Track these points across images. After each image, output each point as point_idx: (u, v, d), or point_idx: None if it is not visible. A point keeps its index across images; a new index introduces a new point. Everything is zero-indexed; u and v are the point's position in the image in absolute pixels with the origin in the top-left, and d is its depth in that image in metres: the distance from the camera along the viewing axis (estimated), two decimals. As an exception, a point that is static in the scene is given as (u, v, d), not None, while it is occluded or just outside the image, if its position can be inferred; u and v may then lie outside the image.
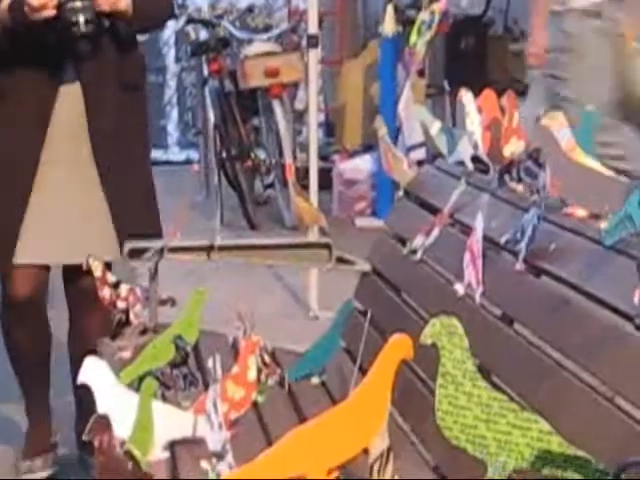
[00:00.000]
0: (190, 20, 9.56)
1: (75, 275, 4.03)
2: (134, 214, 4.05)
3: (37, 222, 3.93)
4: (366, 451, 2.54)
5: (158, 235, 4.15)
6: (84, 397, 4.17)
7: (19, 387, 4.48)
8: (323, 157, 7.40)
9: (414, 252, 3.59)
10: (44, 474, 4.32)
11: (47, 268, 4.17)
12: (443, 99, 7.29)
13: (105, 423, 2.57)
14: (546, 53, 5.99)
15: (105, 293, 3.67)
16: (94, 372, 3.00)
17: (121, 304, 3.63)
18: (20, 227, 3.90)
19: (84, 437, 2.61)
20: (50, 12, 3.69)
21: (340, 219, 7.04)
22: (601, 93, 5.67)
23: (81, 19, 3.73)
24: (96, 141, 3.99)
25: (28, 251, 3.95)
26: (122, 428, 2.77)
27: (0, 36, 3.91)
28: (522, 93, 4.00)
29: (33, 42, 3.90)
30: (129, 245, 4.01)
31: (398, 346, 2.44)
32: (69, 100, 3.97)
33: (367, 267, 3.99)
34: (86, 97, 3.97)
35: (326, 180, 7.68)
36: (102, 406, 2.87)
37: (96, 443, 2.54)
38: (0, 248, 3.99)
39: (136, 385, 3.12)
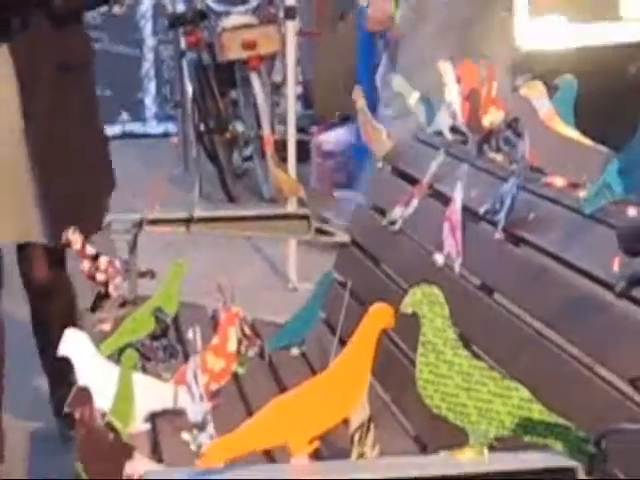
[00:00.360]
0: (166, -8, 9.54)
1: (29, 266, 4.01)
2: (67, 199, 3.85)
3: None
4: (347, 421, 2.51)
5: (95, 229, 3.97)
6: (56, 370, 4.29)
7: None
8: (301, 129, 7.40)
9: (393, 223, 3.59)
10: None
11: None
12: (424, 68, 7.29)
13: (86, 395, 2.56)
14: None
15: (85, 266, 3.63)
16: (74, 344, 3.03)
17: (100, 276, 3.62)
18: None
19: (65, 409, 2.56)
20: None
21: (318, 191, 7.04)
22: None
23: None
24: (28, 120, 3.80)
25: None
26: (103, 400, 2.73)
27: None
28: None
29: None
30: (108, 218, 4.01)
31: (378, 316, 2.38)
32: (3, 80, 3.76)
33: (346, 238, 3.97)
34: (20, 76, 3.76)
35: (304, 152, 7.70)
36: (82, 378, 2.90)
37: (77, 415, 2.52)
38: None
39: (116, 357, 3.11)
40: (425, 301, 2.30)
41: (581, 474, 1.96)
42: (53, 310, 4.09)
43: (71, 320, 3.95)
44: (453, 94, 3.54)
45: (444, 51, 4.97)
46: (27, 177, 3.76)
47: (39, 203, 3.74)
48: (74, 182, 3.90)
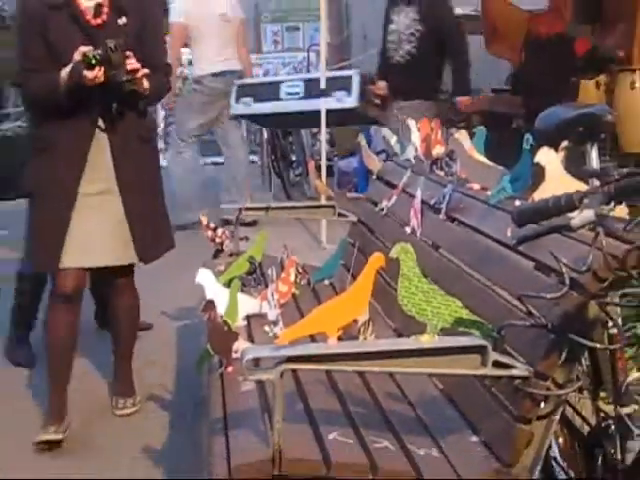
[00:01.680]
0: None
1: (108, 275, 3.67)
2: (148, 232, 3.53)
3: (76, 237, 3.41)
4: (356, 320, 2.64)
5: (170, 247, 3.78)
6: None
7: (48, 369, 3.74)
8: (328, 159, 7.53)
9: (382, 210, 3.64)
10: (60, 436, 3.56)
11: (84, 270, 3.61)
12: (398, 125, 7.32)
13: (212, 305, 2.64)
14: None
15: (208, 234, 3.70)
16: (205, 277, 3.08)
17: (218, 240, 3.69)
18: (64, 241, 3.41)
19: (201, 312, 2.69)
20: (100, 80, 3.21)
21: (338, 193, 7.17)
22: None
23: (121, 79, 3.24)
24: (121, 179, 3.48)
25: (70, 258, 3.44)
26: (221, 307, 2.82)
27: (59, 94, 3.32)
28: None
29: (80, 100, 3.37)
30: (222, 205, 4.10)
31: (375, 261, 2.40)
32: (100, 148, 3.43)
33: (354, 219, 4.00)
34: (112, 146, 3.46)
35: (330, 171, 7.81)
36: (209, 295, 2.91)
37: (207, 316, 2.60)
38: (50, 256, 3.46)
39: (227, 284, 3.16)
40: (402, 251, 2.42)
41: (489, 349, 1.94)
42: (121, 306, 3.79)
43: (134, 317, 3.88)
44: (415, 138, 3.59)
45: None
46: (123, 218, 3.46)
47: (133, 235, 3.48)
48: (155, 219, 3.63)
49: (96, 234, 3.50)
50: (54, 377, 3.68)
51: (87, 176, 3.47)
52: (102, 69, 3.21)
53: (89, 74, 3.21)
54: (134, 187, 3.54)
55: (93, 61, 3.18)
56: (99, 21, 3.36)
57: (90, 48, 3.22)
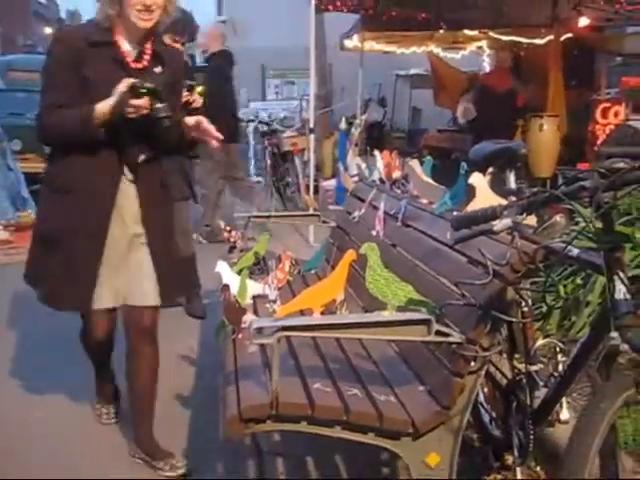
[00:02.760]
0: (260, 122, 9.65)
1: (135, 316, 2.77)
2: (172, 276, 2.69)
3: (107, 279, 2.68)
4: (335, 300, 2.61)
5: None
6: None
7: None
8: (315, 179, 7.55)
9: (354, 218, 3.57)
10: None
11: (115, 309, 2.81)
12: (366, 155, 7.30)
13: (227, 288, 2.64)
14: None
15: (225, 235, 3.60)
16: (222, 267, 3.01)
17: (232, 239, 3.60)
18: (96, 282, 2.67)
19: (219, 293, 2.65)
20: (144, 111, 2.55)
21: (322, 205, 7.15)
22: None
23: (162, 114, 2.52)
24: (147, 223, 2.70)
25: (102, 299, 2.70)
26: (234, 290, 2.78)
27: (92, 128, 2.55)
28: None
29: (111, 138, 2.61)
30: (236, 214, 4.06)
31: (349, 256, 2.46)
32: (126, 191, 2.61)
33: (334, 224, 3.94)
34: (138, 190, 2.68)
35: (316, 189, 7.81)
36: (225, 281, 2.87)
37: (222, 297, 2.59)
38: (82, 297, 2.69)
39: (239, 272, 3.10)
40: (369, 249, 2.38)
41: (433, 322, 1.95)
42: (144, 359, 2.82)
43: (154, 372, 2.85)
44: (379, 164, 3.53)
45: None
46: (149, 261, 2.65)
47: (158, 279, 2.69)
48: (177, 263, 2.74)
49: (125, 275, 2.75)
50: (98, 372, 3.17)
51: (114, 219, 2.70)
52: (148, 100, 2.57)
53: (136, 102, 2.56)
54: (159, 231, 2.78)
55: (142, 90, 2.57)
56: (139, 65, 2.71)
57: (138, 80, 2.58)
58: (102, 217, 2.69)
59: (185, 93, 4.15)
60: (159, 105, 2.57)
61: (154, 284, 2.74)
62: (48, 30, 44.40)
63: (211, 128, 2.69)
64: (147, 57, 2.74)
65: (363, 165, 3.90)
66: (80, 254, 2.70)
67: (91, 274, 2.69)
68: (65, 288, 2.72)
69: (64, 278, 2.70)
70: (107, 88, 2.56)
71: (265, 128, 9.64)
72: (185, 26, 4.52)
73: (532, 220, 2.04)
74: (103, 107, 2.56)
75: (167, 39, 4.38)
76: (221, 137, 2.70)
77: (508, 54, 8.47)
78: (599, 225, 1.72)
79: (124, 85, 2.55)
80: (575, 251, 1.85)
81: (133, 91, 2.56)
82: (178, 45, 4.48)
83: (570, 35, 8.57)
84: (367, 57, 9.71)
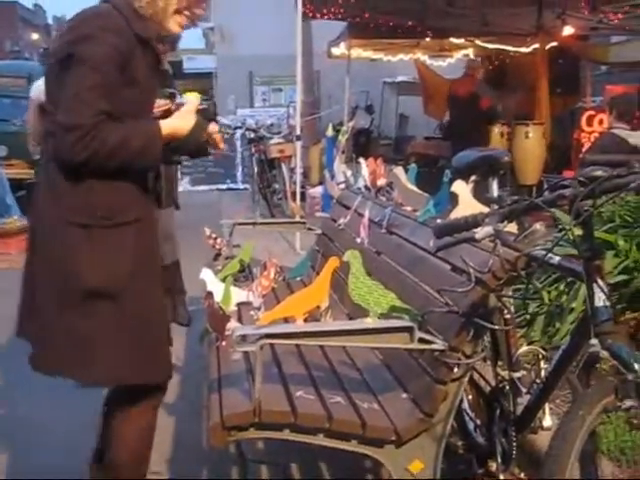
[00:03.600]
0: (247, 129, 9.65)
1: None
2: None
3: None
4: (319, 307, 2.60)
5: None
6: None
7: None
8: (302, 186, 7.56)
9: (340, 225, 3.55)
10: None
11: None
12: (352, 163, 7.34)
13: (211, 295, 2.58)
14: None
15: (210, 242, 3.53)
16: (206, 274, 2.98)
17: (217, 246, 3.56)
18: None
19: (204, 300, 2.56)
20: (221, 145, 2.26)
21: (309, 213, 7.14)
22: None
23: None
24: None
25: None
26: (218, 297, 2.74)
27: (157, 148, 2.01)
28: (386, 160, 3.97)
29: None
30: (221, 221, 4.04)
31: (332, 262, 2.46)
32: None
33: (320, 231, 3.91)
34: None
35: (303, 196, 7.81)
36: (209, 288, 2.84)
37: (206, 304, 2.53)
38: (164, 365, 2.16)
39: (223, 280, 3.05)
40: (352, 256, 2.40)
41: (416, 329, 1.95)
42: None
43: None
44: (364, 172, 3.53)
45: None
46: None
47: None
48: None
49: None
50: None
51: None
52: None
53: (212, 128, 2.23)
54: None
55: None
56: (163, 68, 2.22)
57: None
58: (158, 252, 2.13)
59: (166, 102, 4.15)
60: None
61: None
62: (35, 36, 44.19)
63: (219, 136, 2.32)
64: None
65: (349, 172, 3.88)
66: (157, 304, 2.10)
67: (167, 329, 2.19)
68: (143, 361, 2.04)
69: (142, 347, 2.02)
70: (145, 95, 2.09)
71: (252, 135, 9.66)
72: (165, 35, 4.50)
73: (513, 228, 2.05)
74: (168, 126, 2.06)
75: None
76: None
77: (478, 63, 8.61)
78: (579, 233, 1.73)
79: (195, 104, 2.12)
80: (556, 258, 1.87)
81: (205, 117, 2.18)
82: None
83: (555, 44, 8.66)
84: (354, 64, 9.75)
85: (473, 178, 2.55)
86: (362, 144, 11.44)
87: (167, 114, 3.18)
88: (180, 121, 2.14)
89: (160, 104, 4.36)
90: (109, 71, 1.93)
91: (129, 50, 1.98)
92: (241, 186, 12.42)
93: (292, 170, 8.57)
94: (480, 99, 8.14)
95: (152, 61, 2.09)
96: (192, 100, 2.17)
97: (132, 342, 1.99)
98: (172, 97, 4.46)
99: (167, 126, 2.09)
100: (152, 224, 2.11)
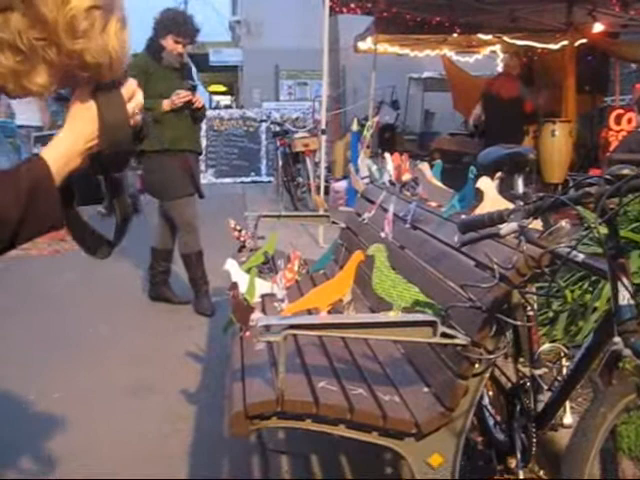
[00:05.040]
0: (272, 122, 9.79)
1: None
2: None
3: None
4: (341, 300, 2.59)
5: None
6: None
7: None
8: (326, 180, 7.57)
9: (364, 219, 3.55)
10: None
11: None
12: (377, 157, 7.33)
13: (236, 286, 2.60)
14: None
15: (235, 234, 3.59)
16: (231, 265, 3.03)
17: (242, 238, 3.60)
18: None
19: (228, 291, 2.60)
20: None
21: (332, 206, 7.17)
22: None
23: None
24: None
25: None
26: (242, 288, 2.79)
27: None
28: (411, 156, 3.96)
29: None
30: (246, 213, 4.09)
31: (357, 256, 2.45)
32: None
33: (344, 225, 3.91)
34: None
35: (327, 190, 7.83)
36: (234, 279, 2.88)
37: (231, 294, 2.52)
38: None
39: (247, 271, 3.09)
40: (376, 250, 2.42)
41: (439, 323, 1.94)
42: None
43: None
44: (389, 167, 3.54)
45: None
46: None
47: None
48: None
49: None
50: None
51: None
52: None
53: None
54: None
55: None
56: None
57: None
58: None
59: (187, 93, 4.25)
60: None
61: None
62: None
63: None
64: None
65: (374, 167, 3.87)
66: None
67: None
68: None
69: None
70: None
71: (277, 128, 9.72)
72: (186, 28, 4.55)
73: (538, 225, 2.05)
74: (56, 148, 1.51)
75: (169, 40, 4.48)
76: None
77: (517, 61, 8.49)
78: (604, 231, 1.73)
79: None
80: (580, 256, 1.86)
81: None
82: (180, 46, 4.53)
83: (584, 41, 8.57)
84: (380, 59, 9.73)
85: (498, 175, 2.55)
86: (387, 139, 11.44)
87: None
88: (71, 125, 1.15)
89: (182, 95, 4.49)
90: None
91: None
92: (265, 179, 12.49)
93: (316, 164, 8.59)
94: (524, 101, 8.04)
95: None
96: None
97: None
98: (193, 89, 4.53)
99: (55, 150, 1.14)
100: None
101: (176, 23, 4.44)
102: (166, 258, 4.93)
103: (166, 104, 4.43)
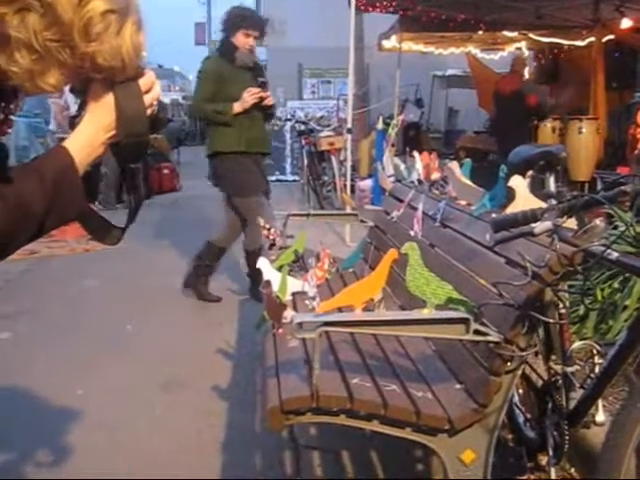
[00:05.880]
0: (297, 121, 9.79)
1: None
2: None
3: None
4: (373, 299, 2.57)
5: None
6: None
7: None
8: (352, 179, 7.61)
9: (392, 218, 3.56)
10: None
11: None
12: (404, 156, 7.34)
13: (269, 284, 2.65)
14: None
15: (265, 232, 3.56)
16: (263, 264, 3.01)
17: (271, 237, 3.57)
18: None
19: (260, 289, 2.67)
20: None
21: (357, 205, 7.19)
22: None
23: None
24: None
25: None
26: (275, 286, 2.80)
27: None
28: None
29: None
30: (275, 212, 4.11)
31: (391, 254, 2.41)
32: None
33: (372, 224, 3.89)
34: None
35: (352, 189, 7.86)
36: (267, 277, 2.89)
37: (264, 291, 2.59)
38: None
39: (279, 269, 3.08)
40: (410, 248, 2.40)
41: (471, 321, 1.93)
42: None
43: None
44: (418, 165, 3.54)
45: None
46: None
47: None
48: None
49: None
50: None
51: None
52: None
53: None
54: None
55: None
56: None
57: None
58: None
59: (257, 90, 4.34)
60: None
61: None
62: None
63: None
64: None
65: (402, 166, 3.87)
66: None
67: None
68: None
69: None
70: None
71: (302, 127, 9.74)
72: (253, 21, 4.57)
73: (572, 223, 2.06)
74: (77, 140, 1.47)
75: (240, 36, 4.50)
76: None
77: (524, 59, 8.58)
78: (639, 229, 1.74)
79: None
80: (614, 254, 1.87)
81: None
82: (250, 39, 4.56)
83: (612, 37, 8.50)
84: (404, 57, 9.73)
85: (530, 173, 2.56)
86: (411, 137, 11.43)
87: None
88: (91, 116, 1.17)
89: (253, 91, 4.54)
90: None
91: None
92: (290, 178, 12.53)
93: (341, 163, 8.62)
94: (526, 96, 8.07)
95: None
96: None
97: None
98: (263, 85, 4.55)
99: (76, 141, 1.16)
100: None
101: (244, 17, 4.50)
102: (218, 256, 4.97)
103: (237, 106, 4.49)
